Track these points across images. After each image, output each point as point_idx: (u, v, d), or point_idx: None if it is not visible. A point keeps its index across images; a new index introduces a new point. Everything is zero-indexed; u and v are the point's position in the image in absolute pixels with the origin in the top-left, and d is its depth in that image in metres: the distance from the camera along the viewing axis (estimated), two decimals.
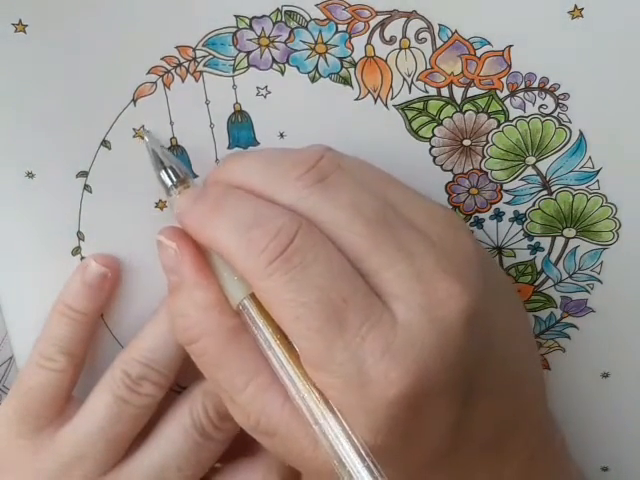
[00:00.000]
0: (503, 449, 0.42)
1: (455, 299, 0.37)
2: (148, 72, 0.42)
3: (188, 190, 0.41)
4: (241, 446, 0.47)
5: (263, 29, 0.41)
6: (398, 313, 0.37)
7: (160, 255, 0.42)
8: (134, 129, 0.43)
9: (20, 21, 0.40)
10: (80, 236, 0.45)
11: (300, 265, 0.37)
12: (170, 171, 0.42)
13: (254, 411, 0.39)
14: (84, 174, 0.43)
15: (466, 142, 0.43)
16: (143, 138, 0.42)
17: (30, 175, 0.43)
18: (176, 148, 0.43)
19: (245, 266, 0.38)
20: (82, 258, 0.45)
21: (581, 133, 0.43)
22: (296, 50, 0.41)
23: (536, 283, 0.47)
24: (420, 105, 0.43)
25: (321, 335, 0.36)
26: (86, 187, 0.44)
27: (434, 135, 0.43)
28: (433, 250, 0.38)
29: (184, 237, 0.41)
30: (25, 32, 0.41)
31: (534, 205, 0.45)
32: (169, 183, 0.42)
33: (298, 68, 0.42)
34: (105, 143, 0.43)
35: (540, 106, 0.43)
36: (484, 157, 0.44)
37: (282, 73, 0.42)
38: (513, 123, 0.43)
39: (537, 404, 0.45)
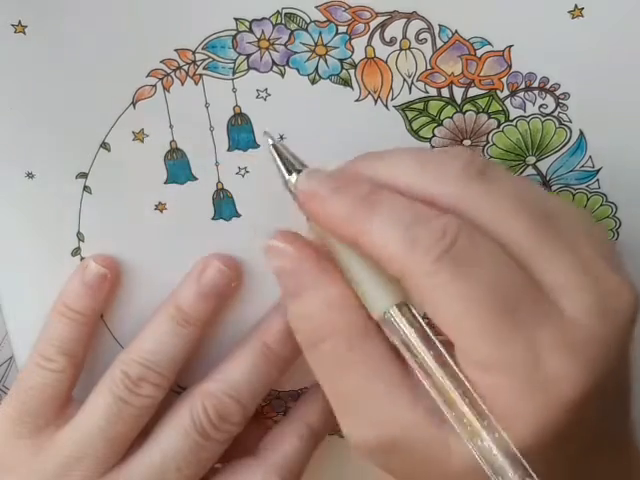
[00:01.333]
0: (622, 447, 0.42)
1: (626, 295, 0.36)
2: (148, 75, 0.41)
3: (312, 173, 0.39)
4: (241, 447, 0.47)
5: (263, 31, 0.41)
6: (568, 308, 0.36)
7: (273, 260, 0.40)
8: (133, 132, 0.43)
9: (19, 22, 0.40)
10: (80, 237, 0.45)
11: (467, 263, 0.35)
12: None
13: (378, 417, 0.37)
14: (84, 175, 0.43)
15: (466, 142, 0.43)
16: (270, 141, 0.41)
17: (30, 176, 0.43)
18: (176, 151, 0.43)
19: (407, 264, 0.36)
20: (82, 259, 0.45)
21: (581, 133, 0.43)
22: (296, 52, 0.41)
23: None
24: (420, 106, 0.42)
25: (492, 331, 0.35)
26: (86, 188, 0.44)
27: (434, 135, 0.43)
28: (595, 245, 0.37)
29: (298, 239, 0.40)
30: (24, 33, 0.40)
31: None
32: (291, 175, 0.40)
33: (298, 70, 0.42)
34: (105, 145, 0.43)
35: (540, 106, 0.43)
36: (484, 157, 0.44)
37: (282, 75, 0.42)
38: (513, 123, 0.43)
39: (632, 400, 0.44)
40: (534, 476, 0.35)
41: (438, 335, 0.37)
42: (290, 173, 0.39)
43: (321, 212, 0.38)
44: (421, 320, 0.37)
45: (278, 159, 0.40)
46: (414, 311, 0.38)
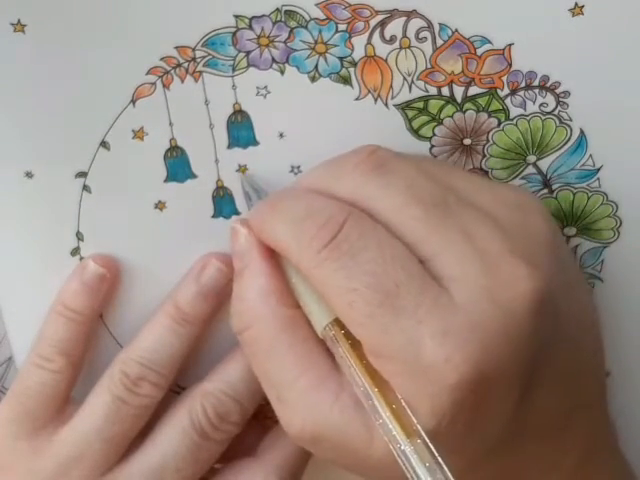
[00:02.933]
0: (562, 440, 0.42)
1: (521, 281, 0.36)
2: (147, 73, 0.41)
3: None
4: (241, 447, 0.47)
5: (263, 29, 0.41)
6: (457, 295, 0.36)
7: (231, 240, 0.42)
8: (133, 130, 0.42)
9: (19, 21, 0.40)
10: (79, 236, 0.45)
11: (349, 252, 0.36)
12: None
13: (301, 409, 0.38)
14: (83, 174, 0.43)
15: (467, 141, 0.43)
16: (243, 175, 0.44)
17: (29, 175, 0.43)
18: (175, 149, 0.43)
19: (298, 257, 0.38)
20: (81, 259, 0.45)
21: (582, 131, 0.43)
22: (296, 50, 0.41)
23: None
24: (420, 104, 0.42)
25: (375, 320, 0.36)
26: (85, 187, 0.44)
27: (434, 134, 0.43)
28: (498, 232, 0.37)
29: None
30: (24, 32, 0.40)
31: None
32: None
33: (298, 68, 0.42)
34: (104, 144, 0.43)
35: (541, 104, 0.43)
36: (485, 156, 0.44)
37: (282, 73, 0.42)
38: (514, 122, 0.43)
39: (598, 400, 0.44)
40: (440, 460, 0.35)
41: None
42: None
43: (253, 225, 0.41)
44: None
45: (247, 196, 0.43)
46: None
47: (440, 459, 0.35)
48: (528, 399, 0.38)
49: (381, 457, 0.37)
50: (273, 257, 0.41)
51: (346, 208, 0.38)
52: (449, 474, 0.35)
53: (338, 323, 0.38)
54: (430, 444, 0.35)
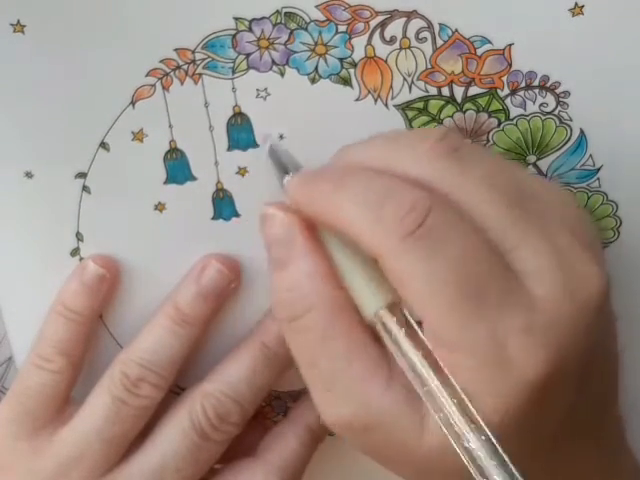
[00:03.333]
0: (599, 438, 0.42)
1: (595, 279, 0.36)
2: (147, 75, 0.41)
3: (300, 173, 0.40)
4: (241, 447, 0.47)
5: (263, 31, 0.41)
6: (536, 291, 0.35)
7: (264, 227, 0.39)
8: (133, 132, 0.42)
9: (18, 21, 0.40)
10: (79, 237, 0.45)
11: (437, 241, 0.35)
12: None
13: (353, 397, 0.37)
14: (83, 175, 0.43)
15: (467, 141, 0.43)
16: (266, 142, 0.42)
17: (29, 175, 0.43)
18: (175, 151, 0.43)
19: (375, 242, 0.36)
20: (81, 259, 0.45)
21: (582, 131, 0.43)
22: (296, 52, 0.41)
23: None
24: (420, 105, 0.42)
25: (458, 312, 0.35)
26: (85, 188, 0.44)
27: None
28: (568, 228, 0.37)
29: (292, 211, 0.39)
30: (23, 32, 0.40)
31: None
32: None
33: (298, 70, 0.42)
34: (104, 145, 0.43)
35: (541, 104, 0.43)
36: None
37: (282, 75, 0.42)
38: (514, 122, 0.43)
39: (617, 396, 0.44)
40: (503, 455, 0.35)
41: None
42: (287, 174, 0.40)
43: (304, 202, 0.38)
44: (412, 321, 0.37)
45: (275, 161, 0.40)
46: (405, 313, 0.37)
47: (507, 458, 0.35)
48: (579, 397, 0.38)
49: (431, 449, 0.36)
50: (316, 238, 0.39)
51: (430, 194, 0.36)
52: (516, 473, 0.34)
53: (391, 308, 0.37)
54: (496, 443, 0.35)
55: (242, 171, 0.43)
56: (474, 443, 0.35)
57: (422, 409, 0.36)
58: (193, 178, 0.43)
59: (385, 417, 0.37)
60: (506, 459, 0.35)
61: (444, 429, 0.35)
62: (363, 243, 0.36)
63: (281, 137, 0.43)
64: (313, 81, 0.42)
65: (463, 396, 0.35)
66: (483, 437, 0.35)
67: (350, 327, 0.38)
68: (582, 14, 0.40)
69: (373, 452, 0.39)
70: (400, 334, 0.37)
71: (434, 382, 0.36)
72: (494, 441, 0.35)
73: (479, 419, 0.35)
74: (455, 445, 0.35)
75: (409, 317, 0.37)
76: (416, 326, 0.37)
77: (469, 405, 0.35)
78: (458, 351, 0.35)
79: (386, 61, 0.41)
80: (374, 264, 0.37)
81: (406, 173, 0.37)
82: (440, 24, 0.41)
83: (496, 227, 0.36)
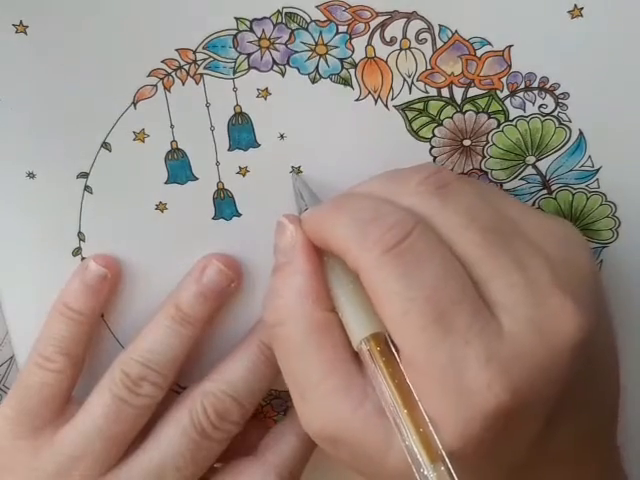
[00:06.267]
0: (578, 464, 0.42)
1: (567, 317, 0.37)
2: (148, 75, 0.42)
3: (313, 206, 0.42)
4: (240, 446, 0.47)
5: (264, 31, 0.41)
6: (505, 323, 0.36)
7: (276, 234, 0.42)
8: (134, 132, 0.43)
9: (21, 22, 0.40)
10: (81, 237, 0.45)
11: (414, 261, 0.36)
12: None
13: (323, 411, 0.38)
14: (85, 175, 0.43)
15: (466, 142, 0.43)
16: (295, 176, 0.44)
17: (31, 175, 0.43)
18: (176, 151, 0.43)
19: (358, 256, 0.37)
20: (83, 259, 0.45)
21: (581, 132, 0.43)
22: (296, 51, 0.41)
23: None
24: (420, 105, 0.43)
25: (426, 335, 0.36)
26: (87, 188, 0.44)
27: (434, 135, 0.43)
28: (548, 265, 0.38)
29: (303, 229, 0.41)
30: (26, 33, 0.40)
31: (534, 204, 0.45)
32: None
33: (298, 69, 0.42)
34: (105, 145, 0.43)
35: (540, 106, 0.43)
36: (484, 157, 0.44)
37: (282, 75, 0.42)
38: (513, 123, 0.43)
39: (614, 418, 0.45)
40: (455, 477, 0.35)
41: None
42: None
43: (311, 230, 0.41)
44: (393, 350, 0.38)
45: (297, 196, 0.43)
46: (389, 341, 0.38)
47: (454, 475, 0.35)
48: (551, 428, 0.38)
49: (396, 467, 0.37)
50: (317, 258, 0.40)
51: (414, 217, 0.38)
52: None
53: (374, 339, 0.38)
54: (454, 473, 0.35)
55: (243, 171, 0.44)
56: (432, 472, 0.35)
57: (390, 428, 0.37)
58: (194, 178, 0.44)
59: (354, 432, 0.38)
60: None
61: (408, 457, 0.36)
62: (347, 258, 0.38)
63: (282, 137, 0.43)
64: (314, 81, 0.42)
65: (428, 423, 0.36)
66: (442, 467, 0.35)
67: (328, 344, 0.39)
68: (581, 16, 0.41)
69: (343, 461, 0.40)
70: (378, 364, 0.38)
71: (402, 413, 0.36)
72: (452, 472, 0.35)
73: (440, 448, 0.36)
74: (415, 473, 0.36)
75: (391, 346, 0.38)
76: (396, 355, 0.38)
77: (433, 433, 0.36)
78: (425, 375, 0.36)
79: (386, 62, 0.42)
80: (367, 296, 0.38)
81: (396, 201, 0.39)
82: (440, 25, 0.41)
83: (472, 256, 0.37)
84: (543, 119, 0.43)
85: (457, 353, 0.35)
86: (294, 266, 0.40)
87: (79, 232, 0.45)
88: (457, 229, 0.38)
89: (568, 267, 0.38)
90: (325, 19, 0.41)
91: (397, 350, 0.37)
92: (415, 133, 0.43)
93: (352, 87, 0.42)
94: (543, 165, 0.44)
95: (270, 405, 0.50)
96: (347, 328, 0.39)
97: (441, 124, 0.43)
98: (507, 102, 0.43)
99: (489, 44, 0.41)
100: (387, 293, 0.36)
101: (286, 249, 0.41)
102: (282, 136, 0.43)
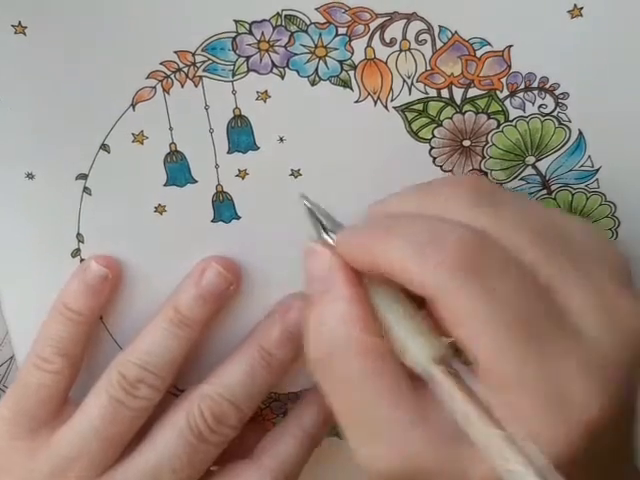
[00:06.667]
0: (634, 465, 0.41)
1: (637, 317, 0.36)
2: (147, 77, 0.41)
3: (347, 229, 0.40)
4: (237, 449, 0.47)
5: (263, 33, 0.41)
6: (586, 329, 0.35)
7: (308, 262, 0.40)
8: (133, 134, 0.42)
9: (20, 23, 0.40)
10: (80, 238, 0.45)
11: (491, 276, 0.35)
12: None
13: (399, 446, 0.36)
14: (84, 176, 0.43)
15: (466, 143, 0.43)
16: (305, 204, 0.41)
17: (30, 176, 0.43)
18: (175, 153, 0.43)
19: (425, 280, 0.35)
20: (82, 260, 0.45)
21: (580, 132, 0.43)
22: (296, 54, 0.41)
23: None
24: (420, 106, 0.42)
25: (515, 351, 0.34)
26: (86, 189, 0.44)
27: (434, 136, 0.43)
28: (606, 267, 0.37)
29: (337, 253, 0.39)
30: (25, 34, 0.40)
31: None
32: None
33: (298, 72, 0.42)
34: (104, 147, 0.43)
35: (540, 106, 0.43)
36: (484, 157, 0.44)
37: (282, 77, 0.42)
38: (513, 123, 0.43)
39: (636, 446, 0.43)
40: None
41: None
42: (324, 230, 0.40)
43: (356, 255, 0.38)
44: (461, 373, 0.36)
45: (312, 219, 0.40)
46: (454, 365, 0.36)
47: None
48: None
49: None
50: (358, 283, 0.38)
51: (476, 231, 0.36)
52: None
53: (443, 361, 0.36)
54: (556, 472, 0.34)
55: (242, 173, 0.44)
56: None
57: (463, 451, 0.35)
58: (193, 180, 0.44)
59: (430, 463, 0.36)
60: None
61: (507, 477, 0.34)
62: (413, 284, 0.36)
63: (281, 139, 0.43)
64: (313, 83, 0.42)
65: (526, 441, 0.34)
66: None
67: (388, 371, 0.37)
68: (581, 16, 0.40)
69: None
70: (454, 388, 0.35)
71: (496, 434, 0.34)
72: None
73: (548, 463, 0.34)
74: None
75: (458, 369, 0.36)
76: (464, 376, 0.36)
77: (535, 449, 0.34)
78: (514, 390, 0.34)
79: (386, 63, 0.41)
80: (419, 317, 0.37)
81: (451, 219, 0.37)
82: (440, 26, 0.41)
83: (544, 269, 0.36)
84: (543, 119, 0.43)
85: (549, 367, 0.34)
86: (335, 293, 0.38)
87: (78, 233, 0.45)
88: (516, 236, 0.36)
89: (619, 265, 0.38)
90: (325, 21, 0.40)
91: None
92: (415, 134, 0.43)
93: (352, 89, 0.42)
94: (543, 165, 0.44)
95: (269, 408, 0.50)
96: (404, 352, 0.37)
97: (441, 125, 0.43)
98: (507, 102, 0.42)
99: (489, 44, 0.41)
100: (469, 312, 0.35)
101: (323, 276, 0.39)
102: (281, 139, 0.43)
